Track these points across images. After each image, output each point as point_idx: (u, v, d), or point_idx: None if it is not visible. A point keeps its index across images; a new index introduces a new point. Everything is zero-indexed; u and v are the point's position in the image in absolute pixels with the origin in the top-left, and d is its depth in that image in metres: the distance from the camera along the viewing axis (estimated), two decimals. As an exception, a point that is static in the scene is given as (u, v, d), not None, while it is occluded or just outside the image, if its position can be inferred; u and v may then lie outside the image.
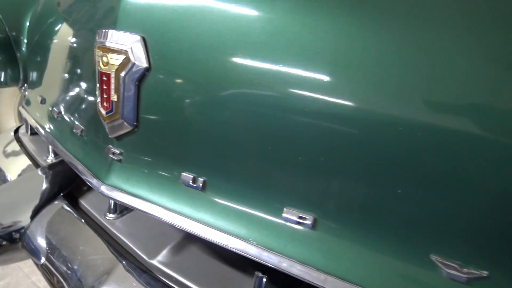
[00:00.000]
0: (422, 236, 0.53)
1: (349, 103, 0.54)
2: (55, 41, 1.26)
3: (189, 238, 1.01)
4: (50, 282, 1.04)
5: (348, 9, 0.56)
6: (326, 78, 0.56)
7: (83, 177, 0.88)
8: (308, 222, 0.61)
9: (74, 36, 1.08)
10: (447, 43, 0.49)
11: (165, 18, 0.71)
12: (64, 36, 1.18)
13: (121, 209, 1.15)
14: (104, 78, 0.77)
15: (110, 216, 1.13)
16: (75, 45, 1.04)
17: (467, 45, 0.47)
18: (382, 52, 0.52)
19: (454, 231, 0.51)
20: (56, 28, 1.27)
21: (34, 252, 1.11)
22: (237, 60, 0.63)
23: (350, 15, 0.55)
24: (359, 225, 0.58)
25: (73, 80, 1.00)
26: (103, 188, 0.82)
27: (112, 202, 1.12)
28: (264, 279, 0.78)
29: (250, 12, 0.63)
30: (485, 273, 0.51)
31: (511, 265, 0.49)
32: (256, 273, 0.79)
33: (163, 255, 0.97)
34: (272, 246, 0.64)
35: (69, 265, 0.99)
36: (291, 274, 0.62)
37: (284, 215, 0.63)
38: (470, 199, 0.49)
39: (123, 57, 0.74)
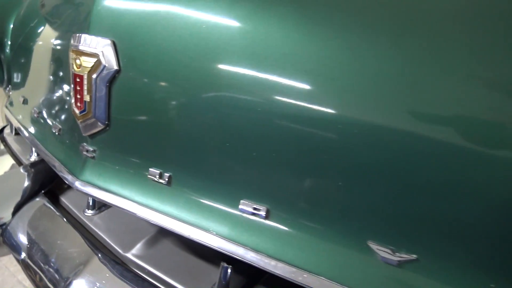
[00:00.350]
0: (360, 224, 0.59)
1: (294, 103, 0.60)
2: (37, 43, 1.30)
3: (163, 233, 1.06)
4: (30, 276, 1.08)
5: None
6: (274, 78, 0.62)
7: (60, 174, 0.93)
8: (261, 213, 0.67)
9: (53, 38, 1.12)
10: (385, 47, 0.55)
11: (133, 24, 0.76)
12: (45, 38, 1.22)
13: (100, 206, 1.19)
14: (78, 80, 0.82)
15: (89, 212, 1.18)
16: (54, 47, 1.09)
17: (422, 55, 0.52)
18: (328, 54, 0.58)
19: (388, 220, 0.57)
20: (38, 31, 1.31)
21: (14, 248, 1.15)
22: (197, 62, 0.69)
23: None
24: (306, 215, 0.63)
25: (52, 82, 1.05)
26: (77, 184, 0.87)
27: (90, 199, 1.17)
28: (229, 269, 0.83)
29: (209, 18, 0.68)
30: (414, 256, 0.56)
31: (435, 249, 0.55)
32: (222, 263, 0.84)
33: (137, 248, 1.02)
34: (229, 236, 0.69)
35: (47, 258, 1.03)
36: (246, 261, 0.67)
37: (240, 206, 0.69)
38: (399, 191, 0.55)
39: (95, 60, 0.79)
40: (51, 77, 1.07)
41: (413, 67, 0.52)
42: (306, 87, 0.59)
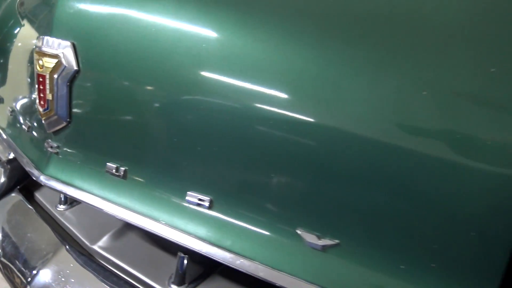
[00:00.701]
0: (290, 213, 0.64)
1: (230, 101, 0.65)
2: (14, 44, 1.35)
3: (128, 226, 1.11)
4: (4, 273, 1.12)
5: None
6: (214, 76, 0.67)
7: (27, 169, 0.98)
8: (205, 203, 0.72)
9: (27, 40, 1.17)
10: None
11: (91, 27, 0.81)
12: (21, 39, 1.27)
13: (71, 201, 1.24)
14: (41, 80, 0.87)
15: (61, 207, 1.23)
16: (27, 48, 1.14)
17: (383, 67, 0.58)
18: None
19: (313, 210, 0.62)
20: (15, 32, 1.36)
21: (-12, 242, 1.20)
22: (148, 63, 0.74)
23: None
24: (243, 206, 0.68)
25: (22, 81, 1.10)
26: (42, 178, 0.92)
27: (62, 195, 1.22)
28: (185, 259, 0.88)
29: (158, 20, 0.74)
30: (336, 241, 0.62)
31: (355, 235, 0.60)
32: (179, 253, 0.89)
33: (103, 241, 1.07)
34: (177, 225, 0.74)
35: (17, 250, 1.08)
36: (192, 249, 0.73)
37: (187, 198, 0.74)
38: (322, 183, 0.60)
39: (56, 60, 0.84)
40: (22, 77, 1.12)
41: (321, 62, 0.58)
42: (242, 84, 0.65)
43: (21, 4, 1.41)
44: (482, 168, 0.51)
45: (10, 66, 1.38)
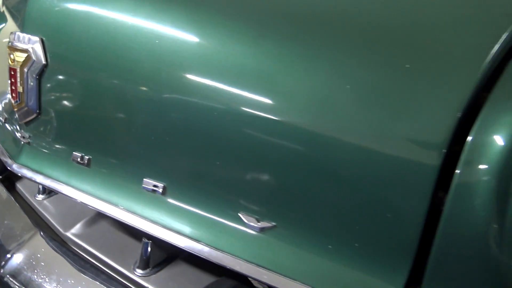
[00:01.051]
0: (233, 198, 0.70)
1: (179, 96, 0.71)
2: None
3: (100, 215, 1.16)
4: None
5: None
6: (169, 71, 0.72)
7: (1, 158, 1.03)
8: (159, 189, 0.77)
9: (8, 35, 1.22)
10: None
11: (58, 24, 0.86)
12: (3, 35, 1.32)
13: (49, 191, 1.29)
14: (12, 73, 0.92)
15: (39, 197, 1.28)
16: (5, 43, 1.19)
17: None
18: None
19: (253, 195, 0.68)
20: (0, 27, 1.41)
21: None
22: (109, 57, 0.79)
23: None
24: (192, 191, 0.74)
25: (2, 75, 1.15)
26: (14, 166, 0.97)
27: (40, 185, 1.27)
28: (149, 245, 0.94)
29: (117, 17, 0.79)
30: (273, 223, 0.67)
31: (289, 218, 0.66)
32: (143, 239, 0.94)
33: (76, 228, 1.12)
34: (134, 210, 0.80)
35: (-6, 236, 1.13)
36: (146, 232, 0.78)
37: (143, 184, 0.79)
38: (260, 171, 0.66)
39: (26, 55, 0.89)
40: (2, 71, 1.17)
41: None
42: (191, 78, 0.70)
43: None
44: (394, 156, 0.56)
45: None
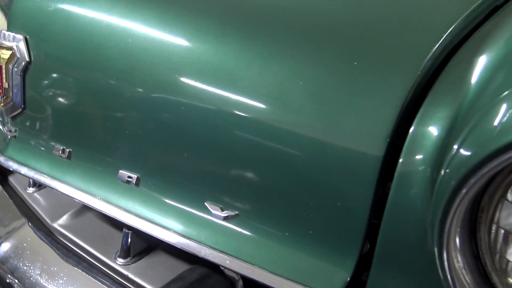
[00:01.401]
0: (199, 188, 0.74)
1: (148, 92, 0.75)
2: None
3: (86, 207, 1.21)
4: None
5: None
6: (141, 68, 0.76)
7: (-10, 151, 1.08)
8: (133, 180, 0.82)
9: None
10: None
11: (42, 23, 0.91)
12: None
13: (39, 184, 1.34)
14: (-2, 69, 0.96)
15: (30, 189, 1.33)
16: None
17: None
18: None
19: (216, 185, 0.72)
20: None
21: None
22: (86, 55, 0.84)
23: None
24: (161, 182, 0.78)
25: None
26: (1, 159, 1.02)
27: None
28: (129, 235, 0.98)
29: (94, 16, 0.83)
30: (236, 212, 0.71)
31: (250, 206, 0.70)
32: (124, 229, 0.98)
33: (62, 219, 1.17)
34: (111, 200, 0.84)
35: (-16, 227, 1.18)
36: (121, 220, 0.82)
37: (118, 176, 0.83)
38: (222, 163, 0.70)
39: (10, 52, 0.93)
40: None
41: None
42: (160, 76, 0.74)
43: None
44: (343, 147, 0.60)
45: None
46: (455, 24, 0.63)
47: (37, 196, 1.32)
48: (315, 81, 0.62)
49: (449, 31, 0.60)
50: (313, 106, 0.62)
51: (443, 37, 0.60)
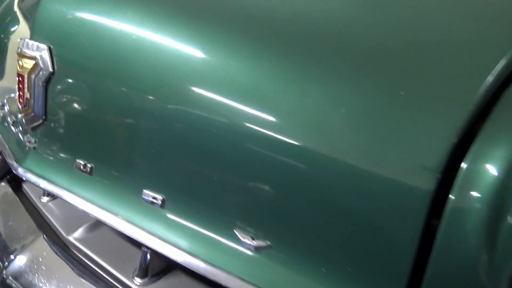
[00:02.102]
0: (228, 215, 0.70)
1: (180, 112, 0.71)
2: (9, 40, 1.42)
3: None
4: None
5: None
6: (174, 86, 0.73)
7: (8, 161, 1.05)
8: (158, 202, 0.78)
9: (20, 37, 1.24)
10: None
11: (67, 33, 0.88)
12: (16, 36, 1.34)
13: (56, 194, 1.31)
14: (20, 79, 0.93)
15: (44, 198, 1.30)
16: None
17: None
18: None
19: (249, 212, 0.68)
20: (12, 29, 1.43)
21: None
22: (114, 68, 0.80)
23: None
24: (190, 205, 0.74)
25: (11, 78, 1.17)
26: (19, 170, 0.99)
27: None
28: (148, 254, 0.94)
29: (132, 31, 0.80)
30: (268, 243, 0.67)
31: (284, 238, 0.66)
32: (143, 248, 0.95)
33: (78, 232, 1.14)
34: (133, 221, 0.80)
35: (-1, 237, 1.15)
36: (144, 243, 0.79)
37: (143, 196, 0.80)
38: (256, 189, 0.66)
39: (34, 62, 0.90)
40: (12, 74, 1.19)
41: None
42: (195, 95, 0.70)
43: (22, 0, 1.48)
44: (389, 181, 0.56)
45: (6, 62, 1.45)
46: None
47: (52, 205, 1.29)
48: (359, 109, 0.58)
49: (505, 60, 0.56)
50: (356, 136, 0.58)
51: (498, 67, 0.56)
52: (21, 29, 1.34)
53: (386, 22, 0.68)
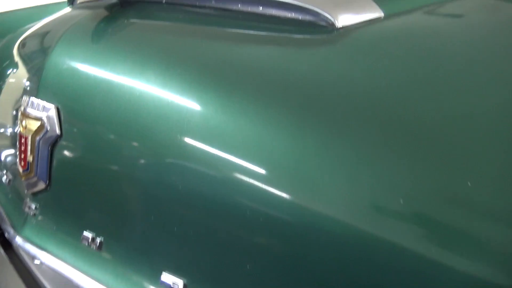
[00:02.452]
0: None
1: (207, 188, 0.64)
2: (5, 84, 1.33)
3: None
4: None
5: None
6: (203, 154, 0.65)
7: (2, 226, 0.95)
8: (180, 287, 0.69)
9: (17, 83, 1.16)
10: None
11: (77, 93, 0.80)
12: (12, 82, 1.26)
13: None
14: (22, 141, 0.85)
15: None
16: (15, 93, 1.12)
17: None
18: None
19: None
20: (8, 72, 1.35)
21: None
22: (129, 133, 0.73)
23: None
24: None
25: (7, 132, 1.08)
26: (17, 239, 0.89)
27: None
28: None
29: (143, 93, 0.73)
30: None
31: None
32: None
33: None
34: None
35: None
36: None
37: (161, 279, 0.71)
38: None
39: (39, 123, 0.82)
40: (8, 125, 1.10)
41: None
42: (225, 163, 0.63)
43: (23, 45, 1.40)
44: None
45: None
46: None
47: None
48: (419, 201, 0.52)
49: None
50: (415, 230, 0.51)
51: None
52: (19, 73, 1.27)
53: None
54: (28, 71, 1.07)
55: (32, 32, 1.21)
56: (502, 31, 0.80)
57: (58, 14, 1.14)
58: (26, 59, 1.24)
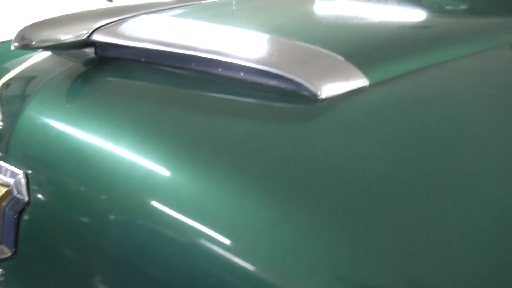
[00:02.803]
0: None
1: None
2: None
3: None
4: None
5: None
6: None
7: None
8: None
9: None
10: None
11: (47, 159, 0.77)
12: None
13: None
14: (-13, 206, 0.80)
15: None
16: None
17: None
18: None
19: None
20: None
21: None
22: (99, 204, 0.69)
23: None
24: None
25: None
26: (-20, 309, 0.83)
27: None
28: None
29: (113, 160, 0.69)
30: None
31: None
32: None
33: None
34: None
35: None
36: None
37: None
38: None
39: (6, 189, 0.78)
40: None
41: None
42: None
43: (6, 86, 1.35)
44: None
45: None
46: None
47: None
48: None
49: None
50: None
51: None
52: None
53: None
54: (9, 106, 1.02)
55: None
56: (495, 100, 0.78)
57: (32, 61, 1.10)
58: (6, 98, 1.19)
